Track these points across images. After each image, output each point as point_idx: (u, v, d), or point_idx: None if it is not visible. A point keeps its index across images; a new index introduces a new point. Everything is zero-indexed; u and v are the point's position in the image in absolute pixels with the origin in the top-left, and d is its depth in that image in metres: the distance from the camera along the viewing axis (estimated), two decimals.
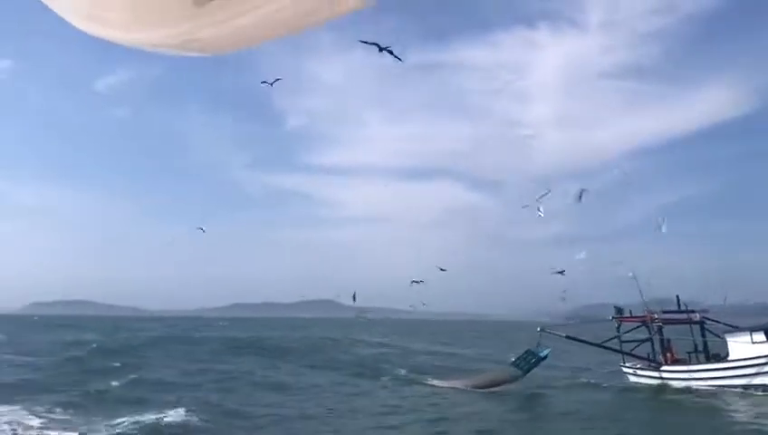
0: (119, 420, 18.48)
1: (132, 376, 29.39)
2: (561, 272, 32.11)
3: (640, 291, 31.39)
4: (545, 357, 29.13)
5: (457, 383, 29.69)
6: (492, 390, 28.09)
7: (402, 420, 20.88)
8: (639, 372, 30.81)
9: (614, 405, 26.07)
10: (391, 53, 15.44)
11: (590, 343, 31.34)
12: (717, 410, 23.59)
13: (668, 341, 31.11)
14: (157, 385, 27.53)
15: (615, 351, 31.34)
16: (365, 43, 15.21)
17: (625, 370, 31.60)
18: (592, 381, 31.72)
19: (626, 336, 31.47)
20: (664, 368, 29.72)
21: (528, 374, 29.20)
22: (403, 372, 35.42)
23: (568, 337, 30.58)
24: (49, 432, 17.26)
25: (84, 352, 42.57)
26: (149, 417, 19.17)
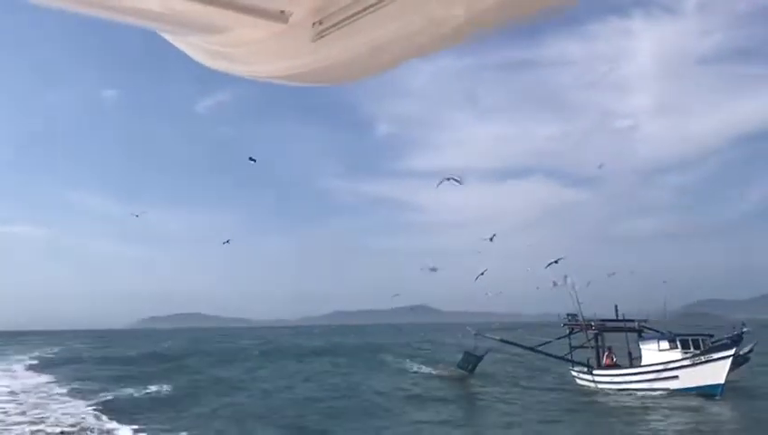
0: None
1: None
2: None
3: (577, 301, 35.99)
4: (481, 357, 34.96)
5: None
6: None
7: None
8: (581, 375, 35.58)
9: (540, 402, 30.96)
10: None
11: (523, 347, 36.45)
12: (614, 408, 28.44)
13: (609, 348, 35.65)
14: None
15: (547, 355, 36.39)
16: None
17: (573, 373, 36.44)
18: (546, 381, 36.81)
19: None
20: (595, 372, 34.47)
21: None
22: None
23: (502, 340, 36.01)
24: None
25: None
26: None
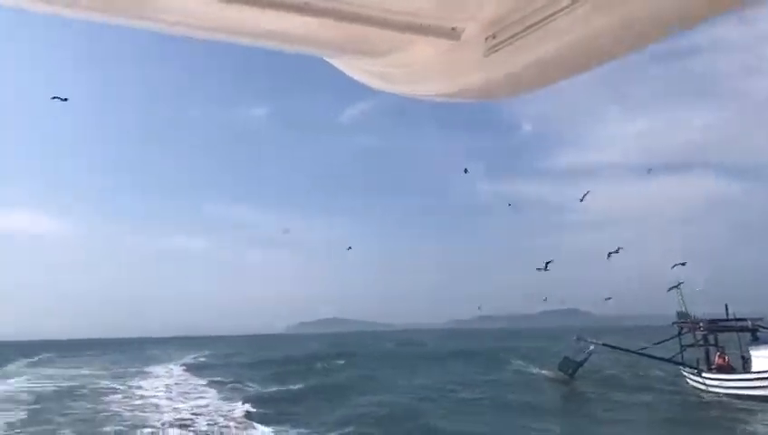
0: None
1: None
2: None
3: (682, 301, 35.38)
4: (583, 362, 35.42)
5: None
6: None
7: None
8: (692, 377, 34.86)
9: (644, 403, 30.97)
10: None
11: (625, 350, 36.16)
12: (721, 417, 27.28)
13: (722, 348, 34.55)
14: None
15: (651, 357, 35.93)
16: None
17: (684, 374, 35.62)
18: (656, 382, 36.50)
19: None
20: (705, 375, 33.70)
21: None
22: None
23: (605, 344, 35.99)
24: None
25: None
26: None
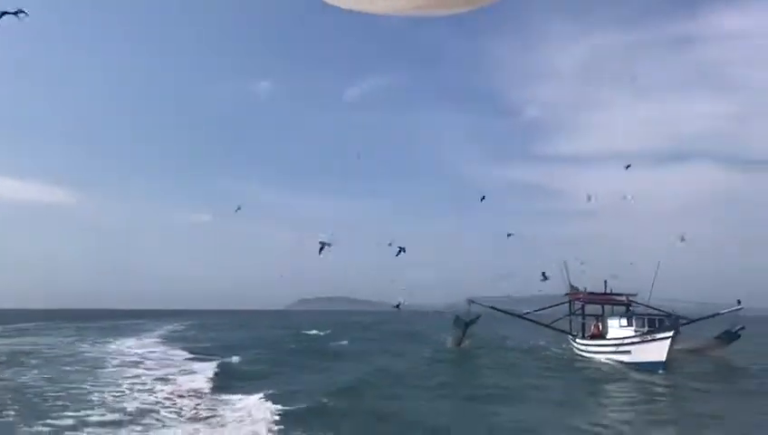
0: None
1: None
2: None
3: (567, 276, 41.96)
4: (473, 321, 41.63)
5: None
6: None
7: None
8: (572, 342, 41.38)
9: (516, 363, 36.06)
10: None
11: (511, 313, 42.38)
12: (576, 369, 33.96)
13: (598, 317, 41.02)
14: None
15: (533, 322, 42.56)
16: None
17: (569, 340, 42.04)
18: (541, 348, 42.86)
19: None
20: (578, 340, 40.36)
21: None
22: None
23: (492, 307, 42.01)
24: None
25: None
26: None
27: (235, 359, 33.34)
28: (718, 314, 41.53)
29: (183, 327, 77.40)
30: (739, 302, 41.08)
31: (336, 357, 37.45)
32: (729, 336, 41.39)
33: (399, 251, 34.29)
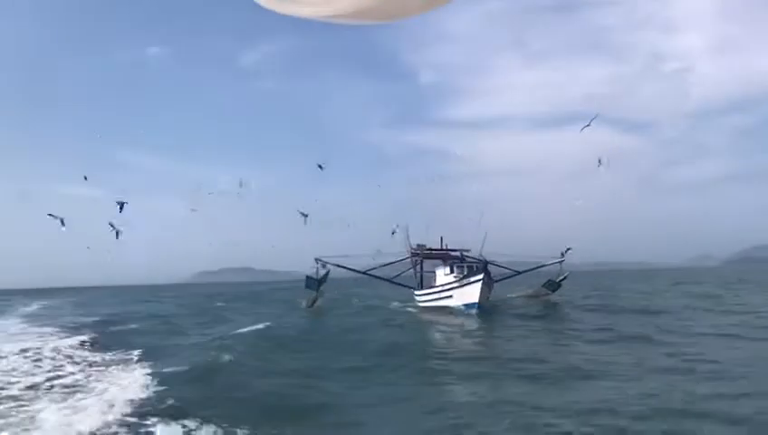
0: None
1: None
2: None
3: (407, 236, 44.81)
4: (321, 280, 43.86)
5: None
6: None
7: None
8: (414, 295, 44.30)
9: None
10: None
11: (355, 271, 44.82)
12: (401, 313, 37.53)
13: (433, 272, 44.10)
14: None
15: (377, 278, 45.32)
16: None
17: (414, 294, 44.94)
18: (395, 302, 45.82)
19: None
20: (415, 292, 43.36)
21: None
22: None
23: (336, 265, 44.21)
24: None
25: None
26: None
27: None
28: (544, 265, 45.91)
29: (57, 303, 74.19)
30: (562, 254, 45.68)
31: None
32: (552, 285, 45.71)
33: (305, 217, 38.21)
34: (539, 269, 46.63)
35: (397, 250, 45.67)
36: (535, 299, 45.42)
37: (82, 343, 26.32)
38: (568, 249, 45.05)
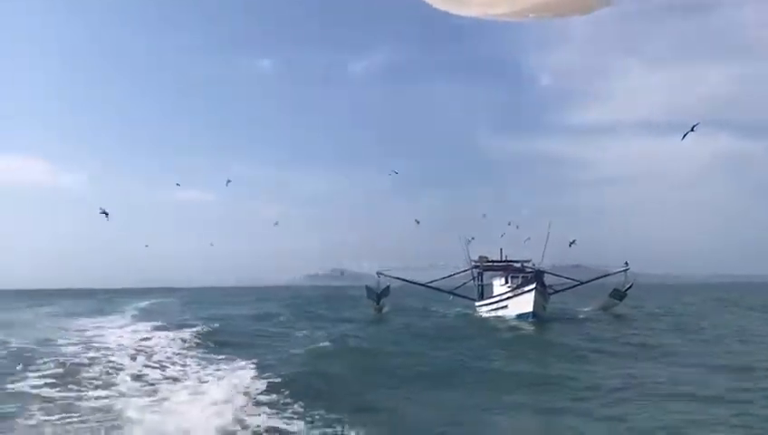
0: None
1: None
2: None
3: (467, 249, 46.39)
4: (383, 292, 46.02)
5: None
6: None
7: None
8: (475, 306, 45.88)
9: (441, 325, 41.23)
10: None
11: (414, 283, 46.77)
12: (470, 324, 38.72)
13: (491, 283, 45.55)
14: None
15: (439, 290, 47.01)
16: None
17: (475, 305, 46.49)
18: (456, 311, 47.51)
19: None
20: (476, 303, 44.89)
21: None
22: None
23: (398, 278, 46.35)
24: None
25: None
26: None
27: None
28: (608, 274, 46.08)
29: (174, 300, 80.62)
30: (626, 263, 45.69)
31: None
32: (617, 294, 45.64)
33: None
34: (601, 278, 46.82)
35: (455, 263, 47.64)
36: (607, 310, 45.58)
37: (198, 335, 28.04)
38: (626, 263, 45.14)
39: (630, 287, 46.27)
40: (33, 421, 11.83)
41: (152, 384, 15.89)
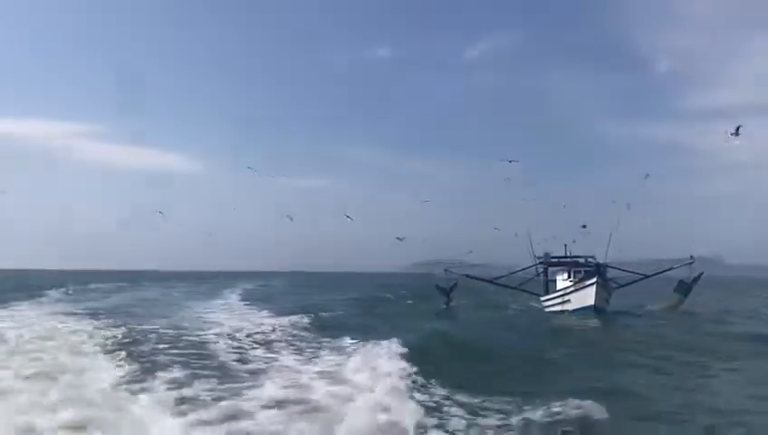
0: None
1: None
2: None
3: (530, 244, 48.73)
4: (451, 288, 49.04)
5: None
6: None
7: None
8: (541, 301, 47.99)
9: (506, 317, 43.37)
10: None
11: (483, 280, 49.37)
12: (538, 320, 40.26)
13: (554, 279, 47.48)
14: None
15: (504, 286, 49.55)
16: None
17: (540, 300, 47.82)
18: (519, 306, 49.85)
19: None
20: (541, 298, 47.19)
21: None
22: None
23: (466, 275, 49.20)
24: None
25: None
26: None
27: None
28: (672, 268, 46.73)
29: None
30: (692, 257, 45.91)
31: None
32: (682, 287, 45.65)
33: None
34: (664, 272, 47.18)
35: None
36: (675, 309, 44.50)
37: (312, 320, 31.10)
38: (690, 257, 45.32)
39: (698, 279, 45.59)
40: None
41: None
